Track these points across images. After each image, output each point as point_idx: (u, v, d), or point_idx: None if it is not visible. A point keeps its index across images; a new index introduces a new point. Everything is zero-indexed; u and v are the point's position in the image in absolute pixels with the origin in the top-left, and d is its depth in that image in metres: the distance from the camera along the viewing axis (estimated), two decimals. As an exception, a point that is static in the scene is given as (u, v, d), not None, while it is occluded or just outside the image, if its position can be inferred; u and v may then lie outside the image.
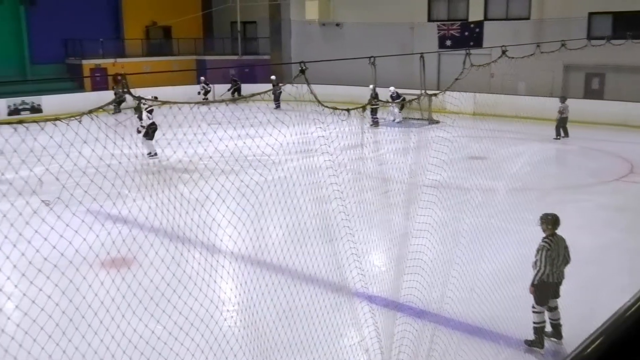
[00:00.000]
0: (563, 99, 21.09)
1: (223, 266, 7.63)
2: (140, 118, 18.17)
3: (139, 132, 16.46)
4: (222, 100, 6.02)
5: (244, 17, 35.42)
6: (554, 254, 6.97)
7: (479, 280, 8.04)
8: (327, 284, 8.06)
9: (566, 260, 7.17)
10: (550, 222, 7.14)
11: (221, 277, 7.19)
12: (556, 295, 7.14)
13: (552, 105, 24.32)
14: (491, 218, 10.94)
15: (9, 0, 29.15)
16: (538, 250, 7.03)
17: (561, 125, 20.73)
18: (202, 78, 30.55)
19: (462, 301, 7.66)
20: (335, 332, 6.93)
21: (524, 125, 21.63)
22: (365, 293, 7.95)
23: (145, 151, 16.95)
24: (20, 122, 4.18)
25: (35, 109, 27.01)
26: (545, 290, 7.04)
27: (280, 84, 28.84)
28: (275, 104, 26.82)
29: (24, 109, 26.76)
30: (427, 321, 7.58)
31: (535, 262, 7.03)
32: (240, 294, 7.56)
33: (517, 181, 13.75)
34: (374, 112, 22.35)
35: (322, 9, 33.13)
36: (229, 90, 30.22)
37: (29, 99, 26.84)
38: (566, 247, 7.17)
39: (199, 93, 29.31)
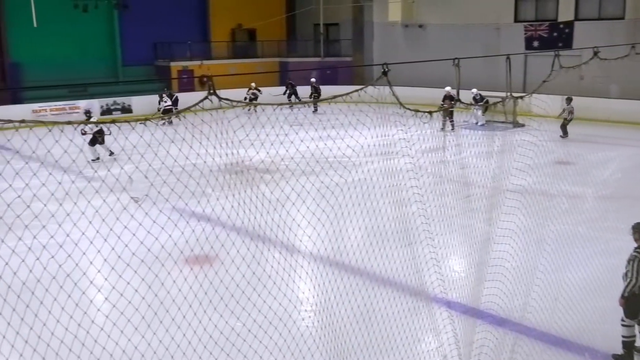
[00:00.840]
0: (569, 100, 20.34)
1: (302, 266, 7.70)
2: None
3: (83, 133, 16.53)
4: (283, 104, 6.10)
5: (326, 19, 35.66)
6: None
7: (563, 289, 7.76)
8: (405, 287, 7.99)
9: None
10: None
11: (300, 277, 7.26)
12: None
13: (646, 108, 23.19)
14: (578, 226, 10.53)
15: (104, 5, 30.55)
16: (629, 261, 6.68)
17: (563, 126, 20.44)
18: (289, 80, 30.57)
19: (545, 311, 7.41)
20: (413, 337, 6.86)
21: (616, 129, 20.73)
22: (444, 298, 7.83)
23: (91, 157, 16.90)
24: (113, 121, 4.36)
25: (126, 109, 28.20)
26: (636, 303, 6.68)
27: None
28: (314, 107, 25.87)
29: (116, 109, 28.00)
30: (508, 330, 7.39)
31: (626, 274, 6.69)
32: (318, 295, 7.61)
33: (606, 188, 13.18)
34: (450, 115, 22.07)
35: (405, 10, 32.89)
36: (284, 93, 29.60)
37: (120, 100, 28.05)
38: None
39: (284, 94, 29.55)
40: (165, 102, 26.07)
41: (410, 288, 7.98)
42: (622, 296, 6.70)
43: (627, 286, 6.64)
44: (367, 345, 6.69)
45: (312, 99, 28.15)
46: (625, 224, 7.15)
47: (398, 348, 6.68)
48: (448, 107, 20.67)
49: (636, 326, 6.79)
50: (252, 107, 22.77)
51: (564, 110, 20.51)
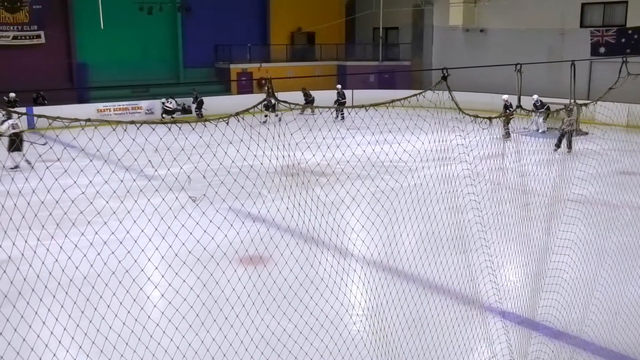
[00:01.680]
0: (569, 112, 19.61)
1: (354, 270, 7.69)
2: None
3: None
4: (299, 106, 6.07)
5: (386, 23, 35.55)
6: None
7: (624, 303, 7.51)
8: (459, 295, 7.87)
9: None
10: None
11: (352, 281, 7.25)
12: None
13: None
14: (642, 238, 10.16)
15: (168, 8, 31.29)
16: None
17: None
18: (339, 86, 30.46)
19: (605, 325, 7.18)
20: (466, 346, 6.76)
21: (685, 139, 19.89)
22: (499, 308, 7.67)
23: (10, 164, 16.52)
24: (174, 122, 4.46)
25: (186, 110, 28.78)
26: None
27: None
28: (341, 115, 25.46)
29: (176, 110, 28.62)
30: (565, 343, 7.19)
31: None
32: (370, 299, 7.58)
33: (674, 200, 12.65)
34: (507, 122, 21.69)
35: (466, 14, 32.48)
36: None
37: (180, 100, 28.67)
38: None
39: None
40: (170, 103, 27.04)
41: (464, 296, 7.86)
42: None
43: None
44: (417, 352, 6.63)
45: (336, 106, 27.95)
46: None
47: (450, 357, 6.60)
48: (505, 115, 20.32)
49: None
50: (309, 109, 22.89)
51: (563, 122, 19.80)
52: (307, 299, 6.69)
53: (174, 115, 27.23)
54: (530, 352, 6.75)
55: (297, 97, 29.72)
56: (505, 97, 23.30)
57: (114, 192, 5.63)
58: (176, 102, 27.88)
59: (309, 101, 28.83)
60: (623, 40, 26.41)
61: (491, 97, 26.32)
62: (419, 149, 7.97)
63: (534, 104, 22.91)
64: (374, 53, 36.69)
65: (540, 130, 23.02)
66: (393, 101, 5.52)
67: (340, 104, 28.41)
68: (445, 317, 7.12)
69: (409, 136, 7.23)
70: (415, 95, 5.61)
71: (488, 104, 25.02)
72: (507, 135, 21.85)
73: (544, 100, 23.22)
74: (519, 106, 6.77)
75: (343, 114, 25.89)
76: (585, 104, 8.42)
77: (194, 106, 27.90)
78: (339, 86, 29.21)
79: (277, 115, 22.76)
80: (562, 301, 7.26)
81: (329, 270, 6.84)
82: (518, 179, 14.19)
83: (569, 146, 19.96)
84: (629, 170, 14.71)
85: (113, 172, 5.73)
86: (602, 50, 26.90)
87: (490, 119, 6.38)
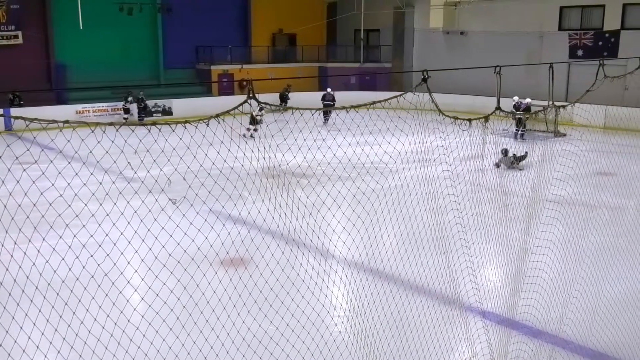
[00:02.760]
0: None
1: (336, 272, 7.70)
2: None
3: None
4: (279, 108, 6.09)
5: (367, 25, 35.65)
6: None
7: (602, 302, 7.60)
8: (440, 296, 7.92)
9: None
10: None
11: (333, 283, 7.26)
12: None
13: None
14: (618, 238, 10.29)
15: (149, 8, 31.07)
16: None
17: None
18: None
19: (583, 323, 7.26)
20: (446, 346, 6.80)
21: (661, 141, 20.20)
22: (479, 308, 7.73)
23: None
24: (154, 123, 4.44)
25: (167, 112, 28.62)
26: None
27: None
28: (325, 119, 25.42)
29: (156, 111, 28.45)
30: (544, 342, 7.27)
31: None
32: (351, 301, 7.60)
33: (650, 200, 12.85)
34: (519, 124, 22.07)
35: (446, 17, 32.68)
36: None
37: (161, 102, 28.50)
38: None
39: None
40: (129, 103, 26.89)
41: (445, 296, 7.91)
42: None
43: None
44: (399, 352, 6.65)
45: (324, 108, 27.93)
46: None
47: (431, 357, 6.63)
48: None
49: None
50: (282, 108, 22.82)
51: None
52: (289, 300, 6.69)
53: (127, 117, 26.92)
54: (510, 351, 6.81)
55: (279, 98, 29.73)
56: (515, 98, 23.46)
57: (93, 194, 5.58)
58: (140, 101, 27.36)
59: (285, 101, 29.04)
60: (600, 43, 26.75)
61: (473, 100, 26.48)
62: (400, 150, 8.01)
63: (514, 106, 23.11)
64: (355, 55, 36.77)
65: (519, 132, 23.20)
66: (374, 103, 5.54)
67: (325, 106, 28.34)
68: (426, 318, 7.15)
69: (389, 138, 7.26)
70: (396, 97, 5.63)
71: (469, 105, 25.18)
72: (521, 136, 22.08)
73: (525, 101, 23.44)
74: (498, 108, 6.82)
75: (327, 117, 25.93)
76: (564, 106, 8.52)
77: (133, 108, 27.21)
78: (328, 89, 29.12)
79: (256, 130, 22.12)
80: (541, 300, 7.34)
81: (310, 271, 6.85)
82: (497, 180, 14.31)
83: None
84: (606, 171, 14.88)
85: (92, 174, 5.68)
86: (579, 53, 27.22)
87: (470, 120, 6.42)
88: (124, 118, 26.78)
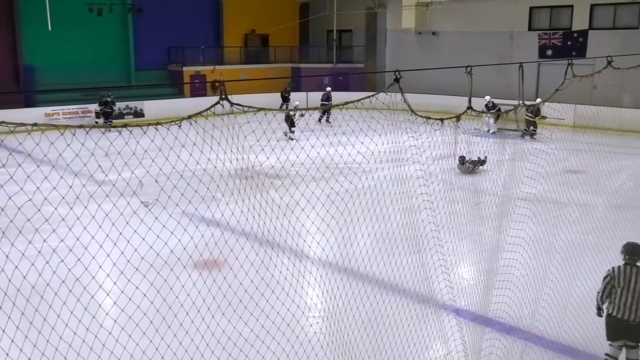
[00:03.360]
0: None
1: (310, 272, 7.70)
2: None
3: None
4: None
5: (340, 25, 35.73)
6: (616, 285, 6.28)
7: (573, 298, 7.72)
8: (414, 294, 7.97)
9: (638, 300, 6.20)
10: (625, 251, 6.42)
11: (308, 283, 7.26)
12: (630, 337, 6.31)
13: (660, 118, 23.00)
14: (588, 234, 10.47)
15: (119, 9, 30.74)
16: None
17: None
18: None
19: (554, 319, 7.37)
20: (421, 344, 6.84)
21: (628, 138, 20.60)
22: (453, 306, 7.80)
23: None
24: (125, 125, 4.39)
25: (138, 114, 28.34)
26: (614, 325, 6.35)
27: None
28: (326, 116, 26.05)
29: (128, 113, 28.14)
30: (517, 338, 7.35)
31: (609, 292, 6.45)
32: (326, 301, 7.61)
33: (618, 197, 13.10)
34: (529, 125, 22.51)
35: (418, 17, 32.91)
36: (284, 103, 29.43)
37: (132, 104, 28.19)
38: None
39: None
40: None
41: (419, 295, 7.96)
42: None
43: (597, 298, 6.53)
44: (374, 352, 6.68)
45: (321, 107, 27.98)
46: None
47: (406, 355, 6.66)
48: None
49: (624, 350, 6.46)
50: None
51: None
52: (263, 302, 6.67)
53: (98, 120, 26.18)
54: (484, 347, 6.88)
55: (252, 99, 29.54)
56: (487, 98, 23.71)
57: (63, 198, 5.50)
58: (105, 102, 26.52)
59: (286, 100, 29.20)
60: (569, 43, 27.13)
61: (445, 100, 26.66)
62: (373, 150, 8.05)
63: (486, 105, 23.35)
64: (327, 55, 36.84)
65: (491, 131, 23.46)
66: (346, 103, 5.56)
67: (321, 106, 28.37)
68: (400, 316, 7.19)
69: (362, 138, 7.29)
70: (369, 97, 5.66)
71: (441, 105, 25.37)
72: (531, 135, 22.29)
73: (496, 101, 23.70)
74: (470, 107, 6.88)
75: (328, 116, 26.27)
76: (533, 105, 8.63)
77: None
78: (328, 88, 29.08)
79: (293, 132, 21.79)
80: (513, 297, 7.42)
81: (284, 272, 6.84)
82: (470, 179, 14.46)
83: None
84: (576, 168, 15.14)
85: (62, 177, 5.61)
86: (549, 52, 27.58)
87: (442, 119, 6.47)
88: (95, 121, 26.29)
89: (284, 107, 28.14)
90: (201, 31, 34.10)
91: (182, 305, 6.50)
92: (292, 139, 20.38)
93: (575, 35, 27.14)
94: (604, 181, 14.39)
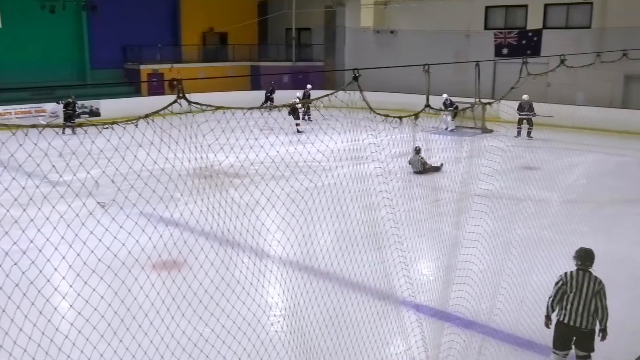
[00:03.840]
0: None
1: (271, 271, 7.68)
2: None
3: None
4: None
5: (299, 24, 35.70)
6: (568, 291, 6.18)
7: (529, 292, 7.87)
8: (375, 291, 8.02)
9: (589, 306, 6.09)
10: (577, 256, 6.31)
11: (269, 282, 7.24)
12: (580, 345, 6.22)
13: (612, 115, 23.62)
14: (543, 229, 10.70)
15: (72, 6, 30.10)
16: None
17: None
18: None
19: (511, 313, 7.50)
20: (382, 340, 6.89)
21: (581, 135, 21.13)
22: (413, 302, 7.88)
23: None
24: (79, 125, 4.30)
25: (94, 113, 27.82)
26: (561, 331, 6.28)
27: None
28: (307, 116, 25.96)
29: (83, 113, 27.58)
30: (476, 332, 7.46)
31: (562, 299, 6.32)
32: (287, 300, 7.60)
33: (571, 193, 13.42)
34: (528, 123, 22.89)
35: (377, 16, 33.13)
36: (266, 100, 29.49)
37: (87, 103, 27.66)
38: (598, 293, 6.10)
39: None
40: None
41: (380, 292, 8.02)
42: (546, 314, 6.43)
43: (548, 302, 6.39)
44: (336, 349, 6.70)
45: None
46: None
47: (367, 351, 6.70)
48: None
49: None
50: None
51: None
52: (224, 302, 6.63)
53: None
54: (443, 342, 6.96)
55: (210, 98, 29.30)
56: (444, 96, 23.92)
57: (15, 199, 5.36)
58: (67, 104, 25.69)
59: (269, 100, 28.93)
60: (524, 42, 27.66)
61: (404, 98, 26.91)
62: (333, 148, 8.07)
63: (444, 103, 23.63)
64: (287, 54, 36.78)
65: (449, 129, 23.76)
66: (306, 102, 5.55)
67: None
68: (361, 313, 7.23)
69: (322, 136, 7.30)
70: (328, 95, 5.66)
71: (399, 103, 25.59)
72: (528, 134, 22.49)
73: (453, 99, 24.01)
74: (428, 105, 6.96)
75: (309, 115, 25.96)
76: (489, 103, 8.78)
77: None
78: (309, 86, 28.93)
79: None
80: (471, 292, 7.54)
81: (245, 272, 6.81)
82: (428, 176, 14.61)
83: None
84: (531, 165, 15.45)
85: (14, 178, 5.46)
86: (504, 51, 28.07)
87: (400, 117, 6.53)
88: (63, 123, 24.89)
89: (265, 104, 27.83)
90: (158, 29, 33.65)
91: (140, 307, 6.41)
92: (299, 132, 20.79)
93: (530, 34, 27.69)
94: (558, 177, 14.74)
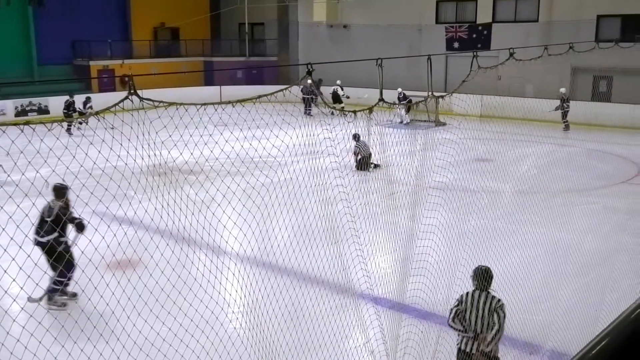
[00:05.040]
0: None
1: (228, 268, 7.62)
2: None
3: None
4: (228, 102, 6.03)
5: (251, 18, 35.48)
6: (465, 312, 5.86)
7: (484, 282, 8.00)
8: (333, 285, 8.05)
9: (491, 325, 5.73)
10: (475, 276, 6.00)
11: (226, 279, 7.19)
12: None
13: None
14: (497, 220, 10.90)
15: (18, 1, 29.24)
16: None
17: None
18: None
19: (467, 304, 7.62)
20: (341, 334, 6.93)
21: (531, 127, 21.61)
22: (371, 295, 7.94)
23: None
24: (27, 123, 4.19)
25: (43, 110, 27.13)
26: None
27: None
28: (308, 110, 25.95)
29: (31, 110, 26.88)
30: (433, 323, 7.57)
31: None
32: (245, 296, 7.56)
33: (523, 183, 13.72)
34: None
35: (329, 10, 33.19)
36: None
37: (36, 100, 26.95)
38: (496, 311, 5.77)
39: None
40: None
41: (338, 285, 8.06)
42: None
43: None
44: (295, 344, 6.70)
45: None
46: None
47: (326, 345, 6.73)
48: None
49: None
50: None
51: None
52: (181, 300, 6.55)
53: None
54: (402, 334, 7.03)
55: (163, 94, 28.96)
56: (399, 90, 24.09)
57: (-38, 201, 5.19)
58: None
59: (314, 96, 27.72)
60: (474, 35, 28.12)
61: (360, 92, 27.08)
62: (288, 143, 8.05)
63: (398, 97, 23.85)
64: (240, 49, 36.51)
65: (403, 122, 24.01)
66: (260, 97, 5.53)
67: (303, 99, 27.64)
68: (320, 307, 7.25)
69: (277, 131, 7.27)
70: (282, 90, 5.65)
71: (354, 98, 25.72)
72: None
73: (407, 93, 24.25)
74: (381, 99, 7.00)
75: (310, 109, 25.48)
76: (442, 96, 8.89)
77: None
78: (309, 81, 28.50)
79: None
80: (428, 283, 7.63)
81: (202, 269, 6.74)
82: (383, 170, 14.71)
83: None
84: (484, 157, 15.71)
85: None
86: (456, 45, 28.48)
87: (355, 112, 6.55)
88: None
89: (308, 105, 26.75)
90: (108, 24, 32.98)
91: (95, 307, 6.29)
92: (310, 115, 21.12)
93: (480, 28, 28.17)
94: (510, 168, 15.05)
